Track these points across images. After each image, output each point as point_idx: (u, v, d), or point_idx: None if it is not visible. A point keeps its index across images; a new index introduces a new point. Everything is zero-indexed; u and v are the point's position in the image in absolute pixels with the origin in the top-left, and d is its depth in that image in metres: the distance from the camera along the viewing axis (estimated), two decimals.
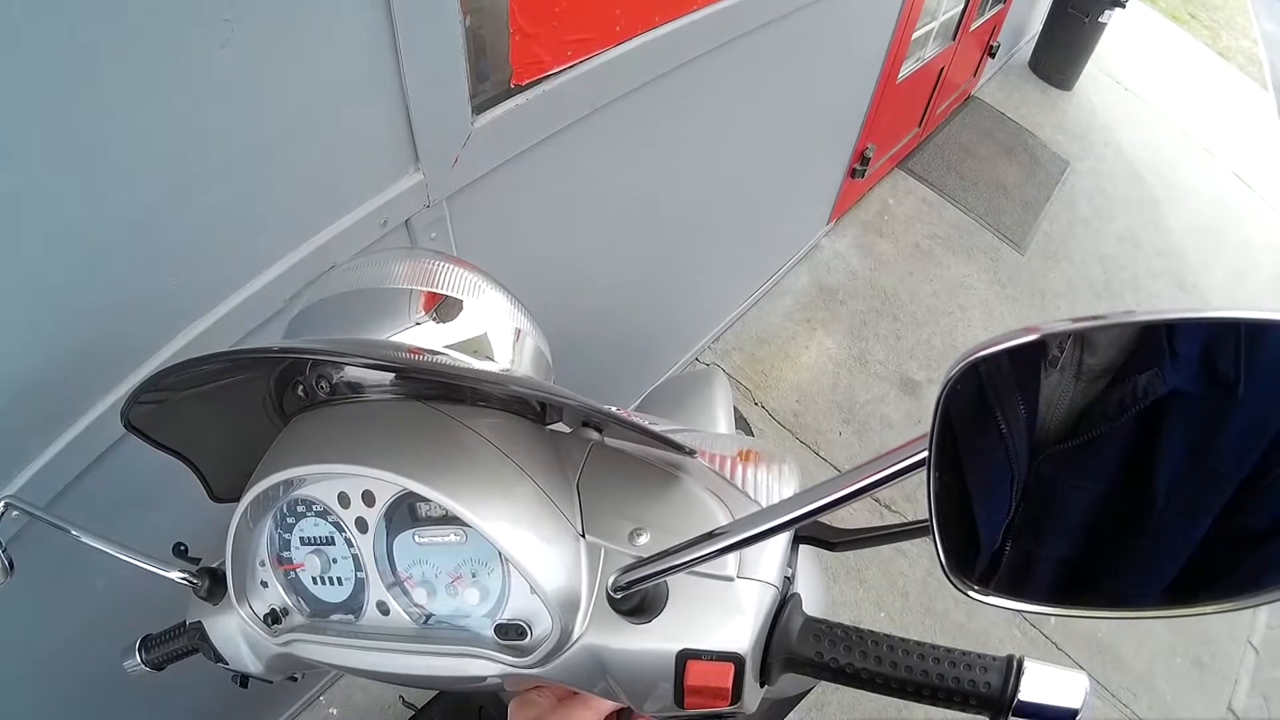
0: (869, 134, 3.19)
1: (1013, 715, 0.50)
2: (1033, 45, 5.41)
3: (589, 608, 0.56)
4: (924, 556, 2.60)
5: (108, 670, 0.84)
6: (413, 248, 1.23)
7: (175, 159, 0.84)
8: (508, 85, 1.21)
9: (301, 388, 0.66)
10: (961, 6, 3.62)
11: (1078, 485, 0.38)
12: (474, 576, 0.60)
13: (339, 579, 0.64)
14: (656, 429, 0.63)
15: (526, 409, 0.66)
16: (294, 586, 0.66)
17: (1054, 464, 0.37)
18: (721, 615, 0.55)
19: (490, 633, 0.59)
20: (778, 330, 3.18)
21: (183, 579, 0.69)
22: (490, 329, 0.71)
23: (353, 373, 0.64)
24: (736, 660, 0.54)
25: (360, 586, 0.63)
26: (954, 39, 3.74)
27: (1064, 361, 0.34)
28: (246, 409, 0.69)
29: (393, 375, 0.64)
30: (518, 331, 0.72)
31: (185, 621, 0.73)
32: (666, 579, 0.54)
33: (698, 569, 0.53)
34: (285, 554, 0.66)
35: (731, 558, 0.57)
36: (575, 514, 0.59)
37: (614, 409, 0.61)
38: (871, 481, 0.39)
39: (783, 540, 0.61)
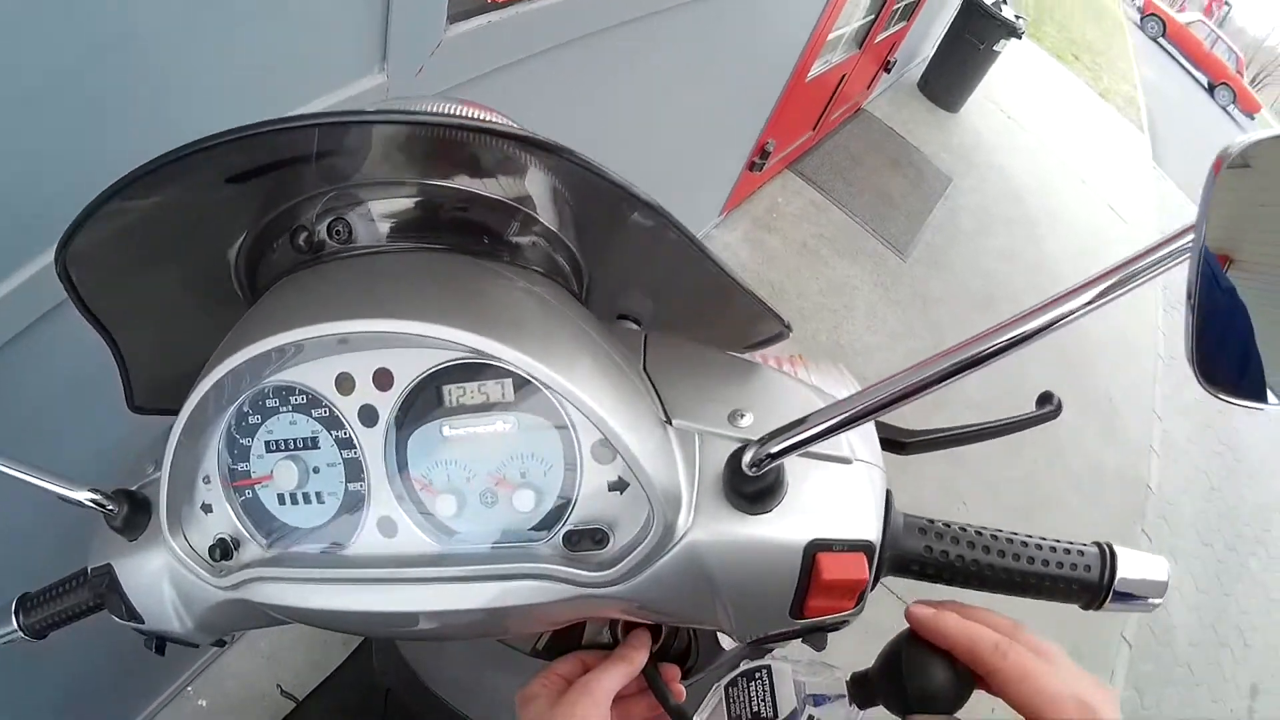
0: (772, 129, 3.34)
1: (1109, 601, 0.53)
2: (924, 67, 5.81)
3: (692, 500, 0.49)
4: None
5: None
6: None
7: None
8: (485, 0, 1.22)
9: (304, 236, 0.56)
10: (872, 16, 3.88)
11: None
12: (523, 477, 0.51)
13: (319, 495, 0.54)
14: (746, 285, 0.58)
15: (568, 281, 0.61)
16: (250, 509, 0.55)
17: None
18: (846, 501, 0.50)
19: (551, 546, 0.51)
20: None
21: (91, 502, 0.56)
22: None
23: (382, 207, 0.56)
24: (868, 550, 0.49)
25: (354, 502, 0.53)
26: (860, 47, 3.98)
27: None
28: (208, 274, 0.59)
29: (420, 213, 0.56)
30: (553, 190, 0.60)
31: (86, 570, 0.60)
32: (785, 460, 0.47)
33: (814, 450, 0.49)
34: (242, 466, 0.55)
35: (845, 439, 0.52)
36: (654, 399, 0.53)
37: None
38: (1128, 274, 0.36)
39: (872, 427, 0.56)
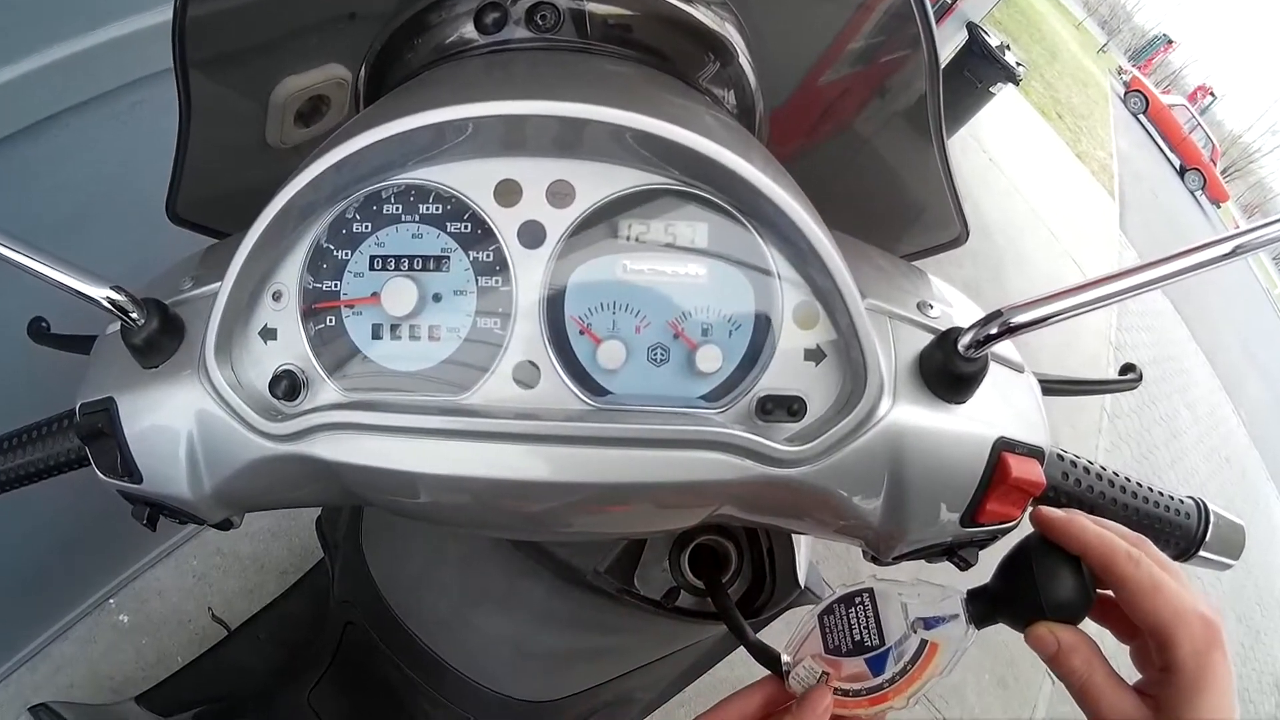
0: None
1: (1198, 552, 0.57)
2: None
3: (893, 381, 0.45)
4: None
5: None
6: None
7: None
8: None
9: (493, 16, 0.50)
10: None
11: None
12: (704, 335, 0.45)
13: (432, 330, 0.45)
14: None
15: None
16: (328, 341, 0.45)
17: None
18: (1024, 406, 0.50)
19: (733, 415, 0.45)
20: None
21: (112, 305, 0.44)
22: None
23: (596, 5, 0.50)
24: (1043, 457, 0.49)
25: (482, 343, 0.45)
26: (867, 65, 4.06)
27: None
28: (323, 58, 0.53)
29: (634, 18, 0.51)
30: None
31: (74, 411, 0.49)
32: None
33: (998, 354, 0.49)
34: (331, 284, 0.45)
35: (1016, 346, 0.52)
36: None
37: None
38: None
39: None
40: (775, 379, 0.45)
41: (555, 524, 0.49)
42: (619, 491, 0.44)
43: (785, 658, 0.53)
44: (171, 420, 0.45)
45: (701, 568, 0.68)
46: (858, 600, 0.52)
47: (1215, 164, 20.82)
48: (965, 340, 0.44)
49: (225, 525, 0.52)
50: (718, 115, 0.49)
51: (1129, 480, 0.58)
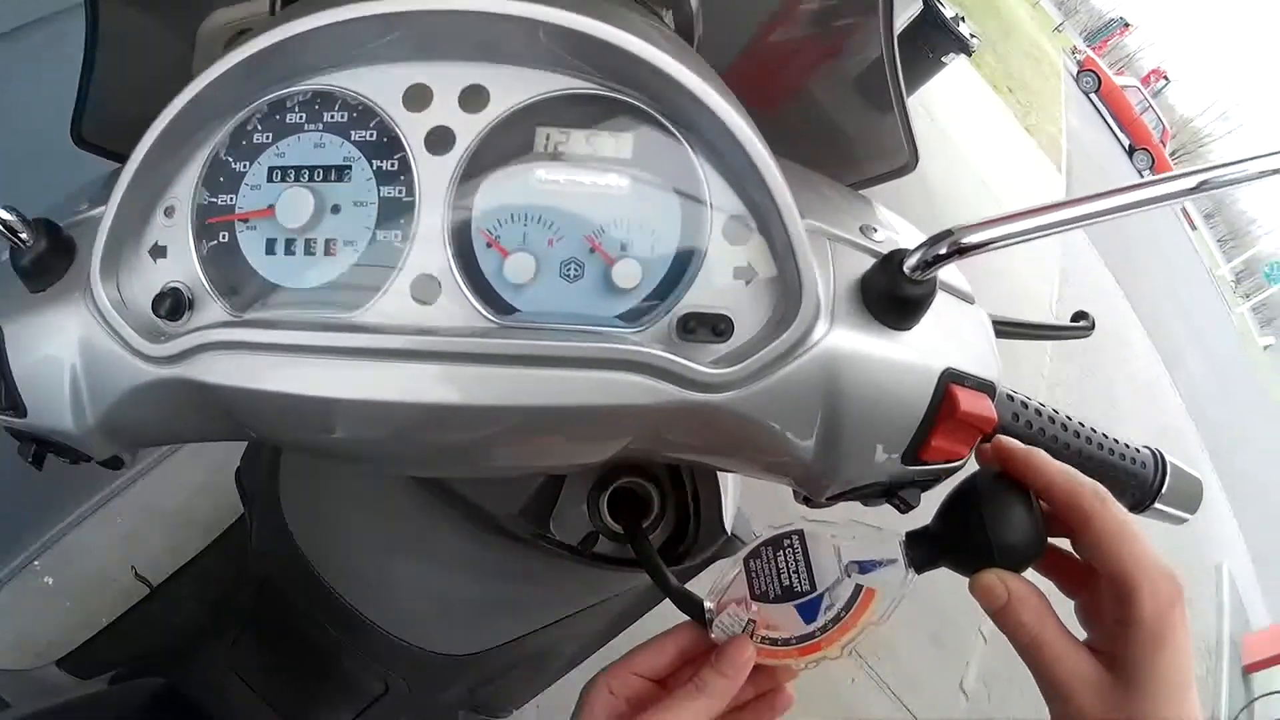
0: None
1: (1154, 504, 0.56)
2: None
3: (830, 304, 0.42)
4: None
5: None
6: None
7: None
8: None
9: None
10: None
11: None
12: (623, 250, 0.42)
13: (329, 244, 0.42)
14: None
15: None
16: (221, 258, 0.43)
17: None
18: (973, 338, 0.47)
19: (652, 335, 0.42)
20: None
21: (2, 226, 0.43)
22: None
23: None
24: (992, 392, 0.46)
25: (381, 257, 0.42)
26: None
27: None
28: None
29: None
30: None
31: None
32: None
33: (947, 283, 0.47)
34: (226, 198, 0.43)
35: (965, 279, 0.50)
36: None
37: None
38: None
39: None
40: (700, 296, 0.42)
41: (455, 456, 0.46)
42: (523, 417, 0.41)
43: (708, 604, 0.50)
44: (56, 347, 0.43)
45: (621, 512, 0.65)
46: (786, 543, 0.49)
47: (1165, 145, 21.27)
48: (912, 261, 0.41)
49: (114, 463, 0.50)
50: (650, 21, 0.47)
51: (1083, 425, 0.56)
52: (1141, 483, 0.56)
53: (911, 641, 3.00)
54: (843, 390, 0.42)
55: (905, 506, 0.49)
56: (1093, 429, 0.56)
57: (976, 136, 7.33)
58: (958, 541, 0.45)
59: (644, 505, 0.65)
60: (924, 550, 0.46)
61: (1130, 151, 20.00)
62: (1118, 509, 0.42)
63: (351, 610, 0.77)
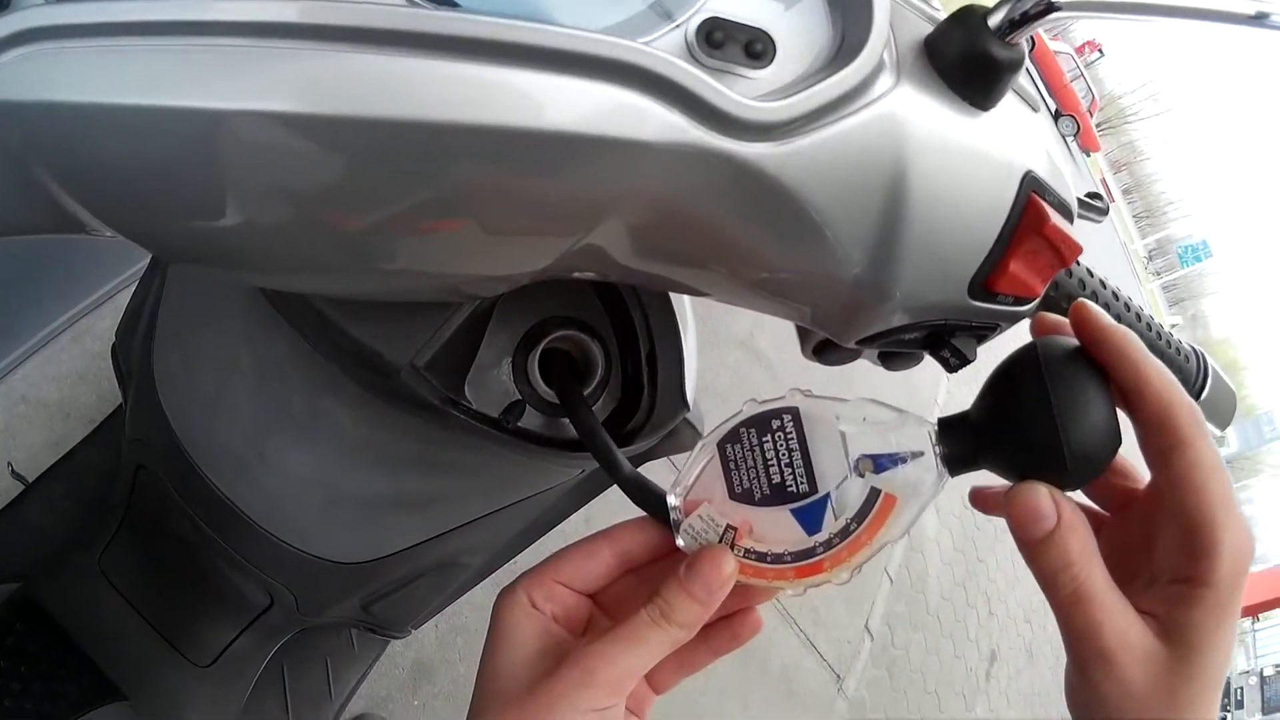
0: None
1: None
2: None
3: (894, 58, 0.33)
4: None
5: None
6: None
7: None
8: None
9: None
10: None
11: None
12: None
13: None
14: None
15: None
16: None
17: None
18: (1052, 150, 0.39)
19: (670, 41, 0.30)
20: None
21: None
22: None
23: None
24: (1070, 216, 0.39)
25: None
26: None
27: None
28: None
29: None
30: None
31: None
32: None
33: (1017, 83, 0.37)
34: None
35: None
36: None
37: None
38: None
39: None
40: (727, 2, 0.30)
41: (349, 228, 0.31)
42: (467, 139, 0.27)
43: (672, 500, 0.38)
44: None
45: (555, 375, 0.51)
46: (775, 424, 0.36)
47: (1092, 115, 21.74)
48: (998, 18, 0.32)
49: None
50: None
51: (1144, 310, 0.48)
52: (1186, 380, 0.49)
53: None
54: (908, 172, 0.33)
55: (959, 360, 0.40)
56: (1147, 315, 0.49)
57: None
58: (1011, 435, 0.34)
59: (585, 367, 0.52)
60: (962, 444, 0.36)
61: (1056, 116, 20.41)
62: (1211, 440, 0.32)
63: (229, 504, 0.64)
